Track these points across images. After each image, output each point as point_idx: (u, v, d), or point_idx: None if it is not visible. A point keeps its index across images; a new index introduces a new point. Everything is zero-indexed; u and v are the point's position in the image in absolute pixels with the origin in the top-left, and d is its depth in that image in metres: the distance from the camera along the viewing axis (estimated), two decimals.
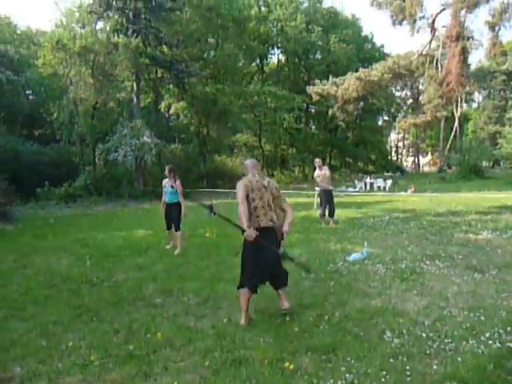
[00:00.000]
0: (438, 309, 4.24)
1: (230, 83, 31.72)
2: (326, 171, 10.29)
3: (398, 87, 45.11)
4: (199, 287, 5.17)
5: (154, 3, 22.61)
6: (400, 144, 63.59)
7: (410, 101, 49.69)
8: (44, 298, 5.00)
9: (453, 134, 44.79)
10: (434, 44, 11.75)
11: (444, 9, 10.88)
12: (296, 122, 36.16)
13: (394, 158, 59.27)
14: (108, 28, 22.12)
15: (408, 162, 62.08)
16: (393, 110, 48.37)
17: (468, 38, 10.84)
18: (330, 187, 10.31)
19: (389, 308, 4.29)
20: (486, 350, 3.31)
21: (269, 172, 39.14)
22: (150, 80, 25.87)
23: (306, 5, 41.38)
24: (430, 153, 63.11)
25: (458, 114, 45.06)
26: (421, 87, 42.82)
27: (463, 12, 10.18)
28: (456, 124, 44.46)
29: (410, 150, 62.83)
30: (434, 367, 3.08)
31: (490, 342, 3.44)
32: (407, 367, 3.07)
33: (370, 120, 43.24)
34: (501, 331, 3.62)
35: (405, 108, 50.31)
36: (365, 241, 7.03)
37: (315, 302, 4.47)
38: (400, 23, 11.84)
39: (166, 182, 7.84)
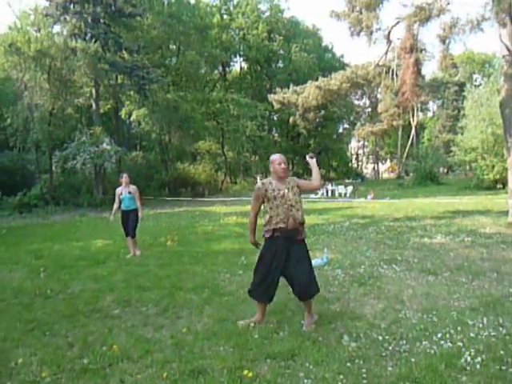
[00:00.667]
0: (394, 311, 4.35)
1: (192, 90, 31.65)
2: None
3: (358, 96, 46.38)
4: (159, 297, 5.09)
5: (113, 8, 22.31)
6: (360, 151, 65.27)
7: (369, 109, 51.20)
8: None
9: (410, 141, 46.50)
10: (390, 55, 12.23)
11: (399, 22, 11.28)
12: (259, 129, 36.37)
13: (355, 165, 60.75)
14: (65, 32, 21.58)
15: (368, 169, 63.77)
16: (352, 118, 49.64)
17: (421, 50, 11.34)
18: None
19: (347, 312, 4.37)
20: (438, 350, 3.42)
21: (231, 179, 39.18)
22: (109, 86, 25.39)
23: (267, 14, 41.97)
24: (388, 160, 65.14)
25: (415, 122, 46.86)
26: (379, 96, 44.26)
27: (416, 25, 10.60)
28: (413, 132, 46.20)
29: (370, 157, 64.61)
30: (389, 369, 3.16)
31: (442, 342, 3.57)
32: (363, 370, 3.13)
33: (330, 128, 44.18)
34: (452, 331, 3.76)
35: (364, 116, 51.78)
36: (325, 247, 7.14)
37: (275, 309, 4.49)
38: (358, 34, 12.15)
39: (120, 189, 7.88)
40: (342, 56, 49.18)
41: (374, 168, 59.74)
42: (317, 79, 13.76)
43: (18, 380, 3.22)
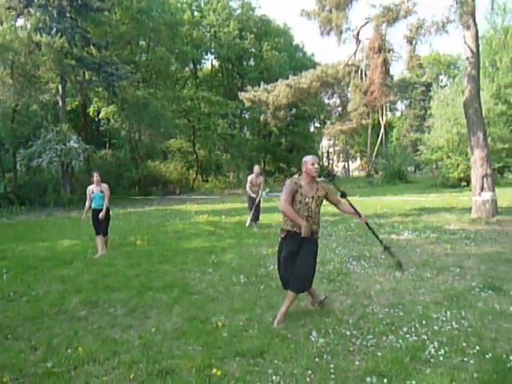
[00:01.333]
0: (362, 307, 4.43)
1: (162, 87, 31.23)
2: (260, 179, 10.39)
3: (328, 95, 46.89)
4: (127, 297, 5.00)
5: (80, 2, 21.69)
6: (331, 150, 66.07)
7: (339, 108, 51.86)
8: None
9: (379, 140, 47.46)
10: (359, 55, 12.43)
11: (367, 22, 11.45)
12: (230, 127, 36.36)
13: (326, 164, 61.42)
14: (29, 26, 20.85)
15: (339, 168, 64.65)
16: (323, 117, 50.14)
17: (389, 51, 11.52)
18: (260, 194, 10.49)
19: (316, 309, 4.41)
20: (404, 343, 3.51)
21: (203, 178, 38.93)
22: (77, 82, 24.72)
23: (238, 12, 41.82)
24: (358, 158, 66.28)
25: (384, 121, 47.84)
26: (349, 95, 44.93)
27: (384, 26, 10.80)
28: (382, 131, 47.18)
29: (341, 155, 65.52)
30: (357, 363, 3.21)
31: (408, 335, 3.66)
32: (331, 365, 3.17)
33: (302, 126, 44.45)
34: (417, 325, 3.86)
35: (335, 115, 52.42)
36: None
37: (245, 307, 4.49)
38: (328, 34, 12.27)
39: (92, 188, 7.78)
40: (313, 55, 49.60)
41: (344, 166, 60.64)
42: (288, 78, 13.80)
43: None
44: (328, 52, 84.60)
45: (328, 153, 66.31)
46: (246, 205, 11.03)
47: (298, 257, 4.09)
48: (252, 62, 43.12)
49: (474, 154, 11.18)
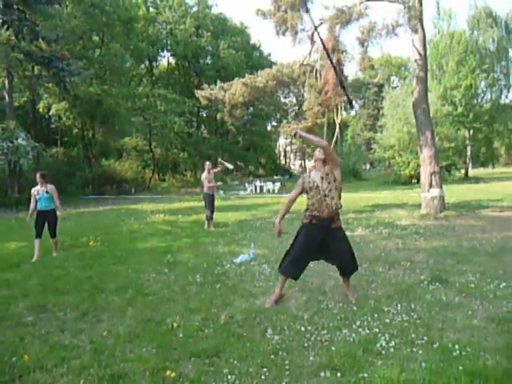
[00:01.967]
0: (317, 303, 4.50)
1: (116, 84, 30.40)
2: (212, 173, 10.36)
3: (285, 94, 47.33)
4: (78, 300, 4.81)
5: None
6: (288, 148, 66.75)
7: (296, 107, 52.52)
8: None
9: (334, 139, 48.32)
10: (314, 55, 12.65)
11: (321, 23, 11.65)
12: (187, 125, 35.91)
13: (283, 162, 62.04)
14: None
15: (296, 166, 65.44)
16: (279, 116, 50.54)
17: (342, 52, 11.81)
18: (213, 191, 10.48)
19: (272, 306, 4.43)
20: (357, 337, 3.59)
21: (159, 176, 38.31)
22: (25, 77, 23.64)
23: (195, 9, 41.44)
24: None
25: (339, 121, 48.84)
26: (305, 95, 45.59)
27: (338, 27, 11.04)
28: (337, 130, 48.09)
29: (298, 154, 66.29)
30: (311, 358, 3.25)
31: (360, 329, 3.75)
32: (286, 362, 3.20)
33: (259, 125, 44.73)
34: (369, 319, 3.96)
35: (292, 114, 53.03)
36: (251, 243, 7.21)
37: (201, 306, 4.45)
38: (283, 34, 12.38)
39: (36, 189, 7.50)
40: (270, 54, 50.00)
41: (301, 164, 61.40)
42: (244, 77, 13.83)
43: None
44: (285, 52, 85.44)
45: (285, 151, 66.98)
46: (202, 203, 10.92)
47: (331, 247, 4.43)
48: (209, 60, 42.88)
49: (422, 153, 11.65)
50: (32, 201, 7.52)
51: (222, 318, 4.11)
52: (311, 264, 6.04)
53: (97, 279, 5.76)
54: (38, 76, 23.99)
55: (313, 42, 12.50)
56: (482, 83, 32.02)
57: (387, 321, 3.91)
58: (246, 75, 13.22)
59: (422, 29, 11.40)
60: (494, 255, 6.35)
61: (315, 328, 3.80)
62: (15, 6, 20.72)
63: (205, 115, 42.62)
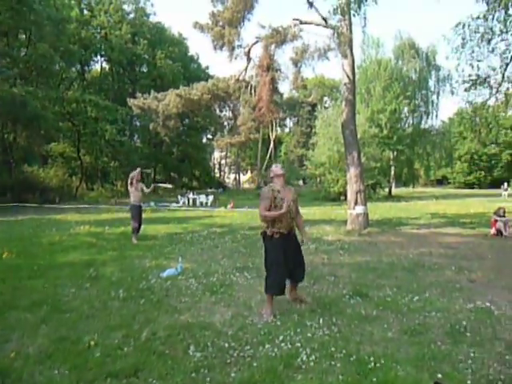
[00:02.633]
0: (242, 318, 4.50)
1: (44, 86, 28.86)
2: (141, 186, 10.09)
3: (221, 108, 47.57)
4: None
5: None
6: (223, 162, 66.99)
7: (232, 121, 53.00)
8: None
9: (268, 154, 49.39)
10: (250, 71, 12.91)
11: (257, 41, 11.93)
12: (119, 134, 34.79)
13: (218, 175, 62.07)
14: None
15: (230, 179, 65.74)
16: (214, 129, 50.58)
17: (277, 70, 12.16)
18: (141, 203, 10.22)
19: (197, 322, 4.37)
20: (279, 352, 3.63)
21: (88, 185, 36.67)
22: None
23: (132, 16, 40.65)
24: (249, 171, 68.18)
25: (273, 137, 49.99)
26: (241, 109, 46.14)
27: (273, 46, 11.37)
28: (271, 146, 49.20)
29: (232, 167, 66.72)
30: (233, 375, 3.24)
31: (283, 344, 3.80)
32: (208, 379, 3.16)
33: (194, 137, 44.45)
34: (292, 333, 4.03)
35: (228, 128, 53.38)
36: (180, 256, 7.09)
37: (122, 323, 4.28)
38: (220, 48, 12.51)
39: None
40: (208, 67, 50.14)
41: (235, 178, 61.84)
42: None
43: None
44: (223, 66, 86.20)
45: (220, 164, 67.13)
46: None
47: (291, 254, 4.70)
48: (145, 69, 42.15)
49: (349, 171, 12.21)
50: None
51: (143, 334, 3.98)
52: (239, 279, 6.09)
53: (8, 295, 5.34)
54: None
55: (249, 58, 12.75)
56: (405, 109, 34.47)
57: (309, 335, 4.00)
58: (181, 87, 13.15)
59: (352, 54, 12.06)
60: (410, 270, 6.76)
61: (239, 344, 3.80)
62: None
63: (138, 124, 41.63)
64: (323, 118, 31.22)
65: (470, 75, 12.70)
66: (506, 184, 34.32)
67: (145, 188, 10.11)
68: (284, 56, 54.68)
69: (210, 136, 52.43)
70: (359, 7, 9.58)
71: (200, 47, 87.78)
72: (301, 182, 48.88)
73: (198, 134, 46.33)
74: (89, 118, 30.92)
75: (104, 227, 12.55)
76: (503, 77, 12.47)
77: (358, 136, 13.83)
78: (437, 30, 65.35)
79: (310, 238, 5.22)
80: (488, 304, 4.86)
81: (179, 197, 27.26)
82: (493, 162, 60.01)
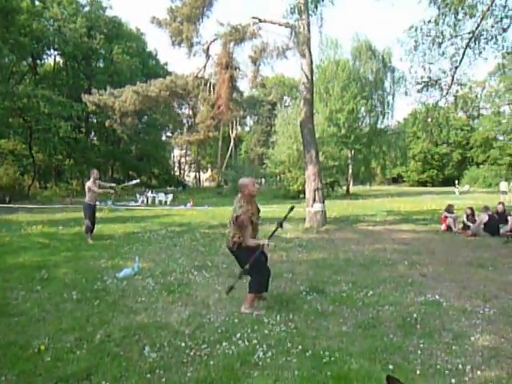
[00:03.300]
0: (200, 317, 4.48)
1: None
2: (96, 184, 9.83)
3: (180, 105, 46.98)
4: None
5: None
6: (183, 160, 66.23)
7: (192, 119, 52.51)
8: None
9: (229, 153, 49.37)
10: (210, 69, 12.81)
11: (216, 38, 11.88)
12: (74, 131, 33.60)
13: (177, 173, 61.30)
14: None
15: (190, 177, 65.09)
16: (172, 126, 49.86)
17: (236, 68, 12.14)
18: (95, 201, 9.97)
19: (153, 322, 4.31)
20: (236, 349, 3.64)
21: (41, 184, 35.28)
22: None
23: (87, 9, 39.34)
24: (209, 169, 67.82)
25: (233, 135, 49.97)
26: (201, 107, 45.75)
27: (232, 44, 11.34)
28: (231, 144, 49.22)
29: (192, 165, 66.08)
30: (189, 374, 3.22)
31: (240, 341, 3.81)
32: (163, 379, 3.13)
33: (153, 134, 43.61)
34: (249, 331, 4.05)
35: (188, 125, 52.84)
36: (136, 256, 6.95)
37: (75, 326, 4.15)
38: (179, 45, 12.34)
39: None
40: (166, 64, 49.32)
41: (195, 176, 61.31)
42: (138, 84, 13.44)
43: None
44: (182, 62, 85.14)
45: (180, 162, 66.34)
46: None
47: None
48: (101, 64, 40.90)
49: (307, 170, 12.40)
50: None
51: (97, 337, 3.88)
52: (197, 278, 6.05)
53: None
54: None
55: (208, 55, 12.66)
56: (362, 109, 35.32)
57: (266, 332, 4.03)
58: (139, 83, 12.88)
59: (310, 54, 12.21)
60: (365, 266, 6.95)
61: (196, 343, 3.78)
62: None
63: (95, 121, 40.39)
64: (283, 117, 31.50)
65: (422, 77, 13.19)
66: (456, 182, 36.04)
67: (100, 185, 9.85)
68: (243, 54, 54.39)
69: (169, 134, 51.76)
70: (316, 7, 9.74)
71: (158, 43, 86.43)
72: (262, 181, 49.13)
73: (156, 131, 45.48)
74: (41, 113, 29.65)
75: (58, 227, 12.11)
76: (453, 79, 13.04)
77: (317, 135, 14.06)
78: (393, 32, 67.45)
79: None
80: (437, 297, 5.07)
81: (138, 195, 26.73)
82: (444, 160, 62.68)
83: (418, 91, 13.62)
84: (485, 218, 10.72)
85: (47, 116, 29.54)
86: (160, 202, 25.56)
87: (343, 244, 9.28)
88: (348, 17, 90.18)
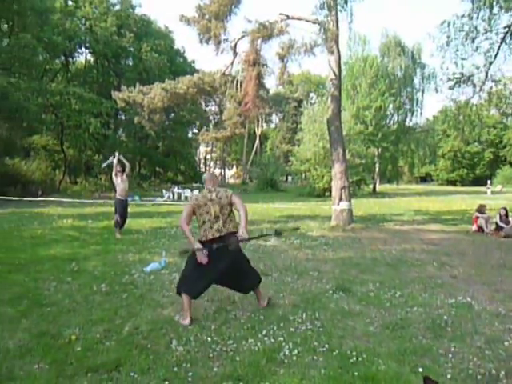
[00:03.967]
0: (226, 312, 4.50)
1: (26, 78, 28.26)
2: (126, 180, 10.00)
3: (207, 102, 47.35)
4: None
5: None
6: (208, 156, 66.72)
7: (218, 116, 52.78)
8: None
9: (254, 150, 49.44)
10: (237, 66, 12.84)
11: (244, 36, 11.87)
12: (103, 127, 34.32)
13: (203, 170, 61.77)
14: None
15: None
16: (199, 123, 50.17)
17: (263, 65, 12.11)
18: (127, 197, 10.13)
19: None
20: (262, 346, 3.63)
21: (71, 179, 36.18)
22: None
23: (117, 7, 40.02)
24: (235, 166, 68.08)
25: (259, 132, 50.03)
26: (228, 104, 45.95)
27: (259, 41, 11.32)
28: (257, 141, 49.27)
29: (218, 162, 66.50)
30: (215, 369, 3.23)
31: (266, 338, 3.80)
32: (190, 373, 3.14)
33: (180, 131, 44.04)
34: (275, 328, 4.04)
35: (214, 122, 53.15)
36: (163, 250, 7.04)
37: (104, 317, 4.23)
38: (207, 42, 12.40)
39: None
40: (194, 61, 49.67)
41: (220, 173, 61.65)
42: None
43: None
44: (209, 60, 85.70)
45: (205, 159, 66.83)
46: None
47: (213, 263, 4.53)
48: (130, 62, 41.55)
49: (334, 168, 12.26)
50: None
51: (125, 329, 3.95)
52: None
53: None
54: None
55: (235, 52, 12.66)
56: (390, 106, 34.72)
57: (292, 329, 4.01)
58: (167, 80, 13.01)
59: (338, 51, 12.07)
60: (392, 266, 6.83)
61: (221, 338, 3.79)
62: None
63: (123, 118, 41.12)
64: (309, 114, 31.25)
65: (454, 73, 12.86)
66: (488, 182, 35.06)
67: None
68: (270, 51, 54.31)
69: (195, 130, 52.11)
70: (346, 3, 9.59)
71: (186, 41, 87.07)
72: (283, 178, 48.97)
73: (183, 128, 45.91)
74: (73, 110, 30.43)
75: (87, 221, 12.41)
76: (487, 75, 12.65)
77: (344, 133, 13.90)
78: (422, 28, 66.01)
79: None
80: (469, 299, 4.94)
81: (164, 191, 27.08)
82: (475, 159, 60.99)
83: (450, 88, 13.28)
84: None
85: (78, 112, 30.29)
86: (186, 197, 25.81)
87: (370, 243, 9.15)
88: (377, 12, 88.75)
